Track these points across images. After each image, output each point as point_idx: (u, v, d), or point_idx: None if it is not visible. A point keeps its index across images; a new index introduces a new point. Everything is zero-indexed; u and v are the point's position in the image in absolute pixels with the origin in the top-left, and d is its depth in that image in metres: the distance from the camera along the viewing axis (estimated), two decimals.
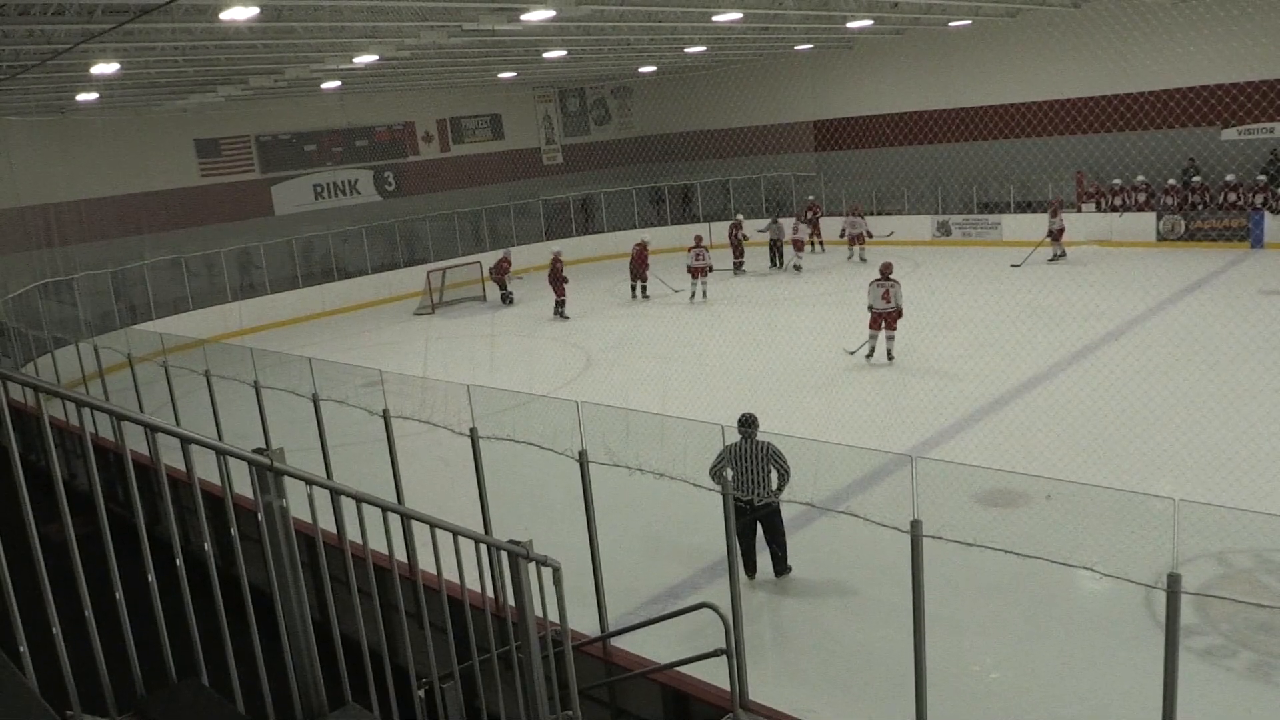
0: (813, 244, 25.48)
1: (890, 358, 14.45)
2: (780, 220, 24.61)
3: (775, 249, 24.07)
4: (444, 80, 25.26)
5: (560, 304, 20.63)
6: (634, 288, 21.89)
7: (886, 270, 14.73)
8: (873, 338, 14.52)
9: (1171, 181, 21.75)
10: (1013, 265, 20.94)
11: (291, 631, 3.40)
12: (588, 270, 25.64)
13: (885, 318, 14.43)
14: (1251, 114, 20.61)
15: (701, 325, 18.25)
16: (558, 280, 20.65)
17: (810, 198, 26.09)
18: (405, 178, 29.12)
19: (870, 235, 24.05)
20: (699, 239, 21.55)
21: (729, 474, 6.01)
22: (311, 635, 3.43)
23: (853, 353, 14.75)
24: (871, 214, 26.18)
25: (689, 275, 20.99)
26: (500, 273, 22.94)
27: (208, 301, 22.39)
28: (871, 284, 14.61)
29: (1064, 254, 21.34)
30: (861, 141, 27.44)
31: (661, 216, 30.23)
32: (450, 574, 4.43)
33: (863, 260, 23.36)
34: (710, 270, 20.98)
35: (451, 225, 27.66)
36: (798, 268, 23.18)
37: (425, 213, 27.55)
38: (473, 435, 7.00)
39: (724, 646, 5.36)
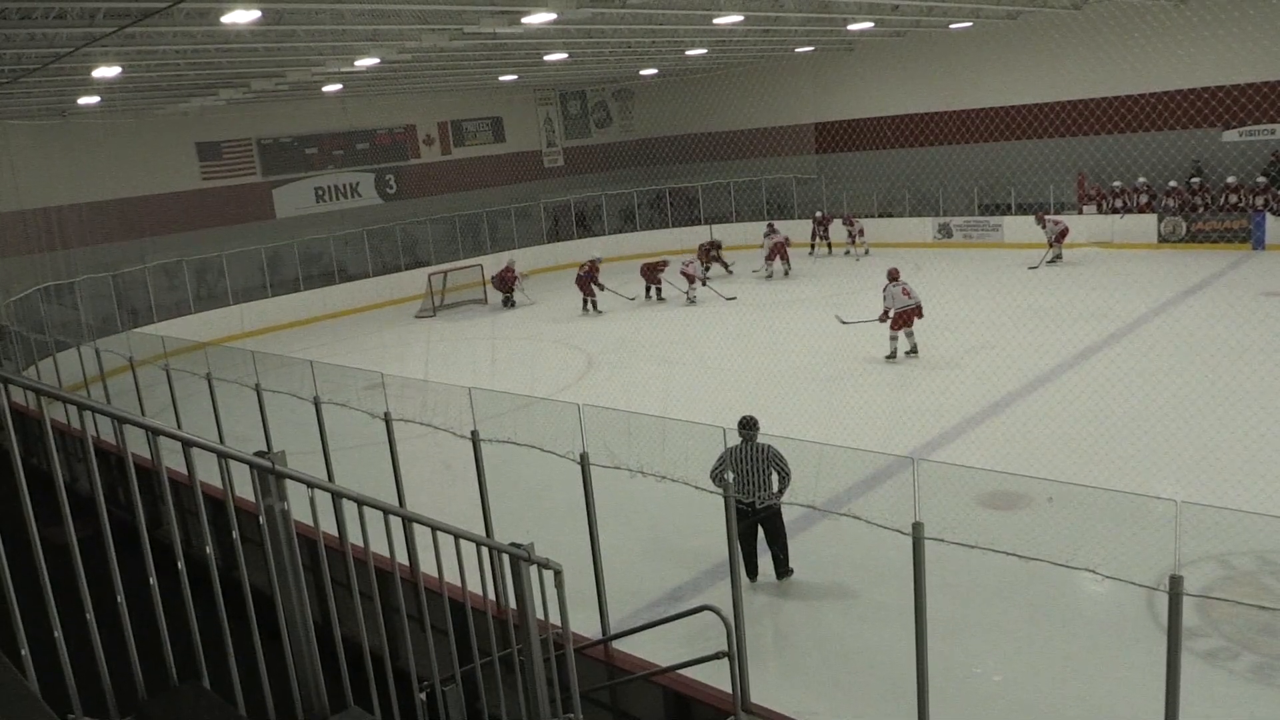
0: (812, 247, 25.66)
1: (915, 352, 14.43)
2: (775, 225, 24.68)
3: (775, 255, 23.93)
4: (445, 83, 25.28)
5: (591, 302, 21.10)
6: (648, 289, 21.99)
7: (894, 275, 14.68)
8: (894, 338, 14.49)
9: (1173, 183, 21.75)
10: (1030, 268, 20.92)
11: (293, 634, 3.40)
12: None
13: (907, 315, 14.37)
14: (1253, 115, 20.62)
15: (702, 327, 18.26)
16: (590, 283, 20.93)
17: (819, 213, 26.10)
18: (406, 180, 29.14)
19: (863, 234, 24.91)
20: (702, 247, 22.57)
21: (730, 476, 6.01)
22: (313, 638, 3.43)
23: (845, 322, 15.17)
24: (873, 216, 26.25)
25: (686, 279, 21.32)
26: (504, 283, 22.87)
27: (209, 305, 22.41)
28: (885, 289, 14.55)
29: (1060, 256, 21.33)
30: (863, 144, 27.47)
31: (663, 219, 30.23)
32: (452, 576, 4.44)
33: (866, 253, 24.58)
34: (704, 280, 21.20)
35: (453, 228, 27.69)
36: (786, 274, 23.23)
37: (426, 215, 27.58)
38: (474, 438, 7.00)
39: (726, 649, 5.36)
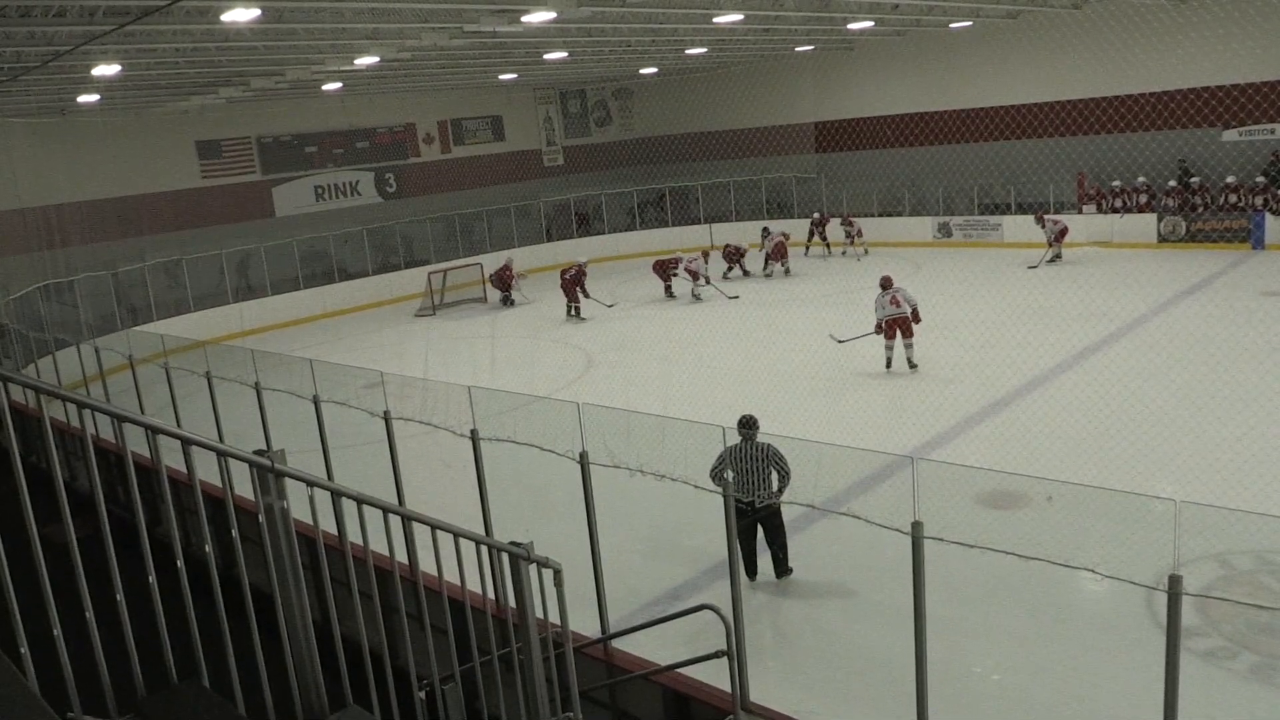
0: (807, 247, 25.67)
1: (913, 365, 13.93)
2: (770, 227, 24.73)
3: (771, 257, 23.86)
4: (445, 82, 25.28)
5: (575, 308, 20.78)
6: (667, 288, 22.07)
7: (886, 283, 14.21)
8: (888, 348, 14.03)
9: (1172, 183, 21.76)
10: (1029, 267, 20.92)
11: (292, 633, 3.40)
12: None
13: (900, 324, 13.89)
14: (1252, 115, 20.61)
15: (702, 326, 18.25)
16: (575, 287, 20.72)
17: (816, 214, 26.09)
18: (406, 179, 29.14)
19: (861, 234, 24.94)
20: (728, 248, 23.31)
21: (730, 475, 6.01)
22: (312, 636, 3.43)
23: (841, 341, 14.58)
24: (872, 216, 26.26)
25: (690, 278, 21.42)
26: (502, 282, 22.89)
27: (208, 303, 22.41)
28: (876, 298, 14.10)
29: (1060, 256, 21.33)
30: (863, 143, 27.46)
31: (663, 218, 30.26)
32: (451, 575, 4.44)
33: (866, 253, 24.70)
34: (705, 279, 21.26)
35: (452, 227, 27.69)
36: (786, 273, 23.31)
37: (426, 214, 27.58)
38: (474, 437, 7.00)
39: (725, 648, 5.36)
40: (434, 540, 4.08)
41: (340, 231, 25.66)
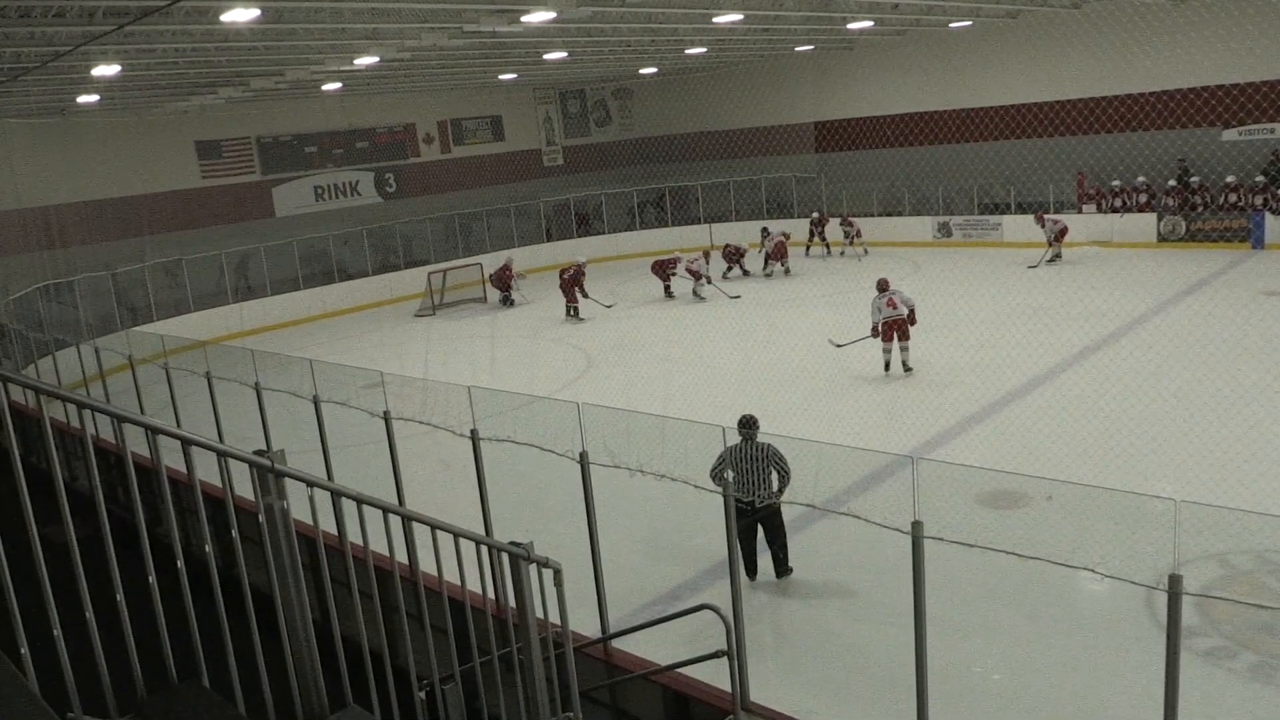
0: (808, 248, 25.67)
1: (908, 369, 13.82)
2: (769, 227, 24.73)
3: (771, 257, 23.82)
4: (445, 82, 25.28)
5: (574, 308, 20.73)
6: (667, 289, 22.07)
7: (883, 285, 14.03)
8: (886, 350, 13.90)
9: (1172, 183, 21.77)
10: (1029, 267, 20.92)
11: (292, 633, 3.40)
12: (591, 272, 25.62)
13: (897, 327, 13.72)
14: (1252, 115, 20.61)
15: (702, 326, 18.26)
16: (574, 287, 20.69)
17: (815, 214, 26.08)
18: (406, 179, 29.13)
19: (860, 234, 24.91)
20: (728, 247, 23.53)
21: (730, 475, 6.01)
22: (312, 636, 3.43)
23: (840, 345, 14.50)
24: (872, 215, 26.26)
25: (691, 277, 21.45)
26: (502, 282, 22.90)
27: (208, 303, 22.41)
28: (873, 300, 13.95)
29: (1060, 256, 21.34)
30: (863, 143, 27.47)
31: (663, 218, 30.26)
32: (451, 575, 4.44)
33: (866, 253, 24.74)
34: (706, 278, 21.28)
35: (452, 227, 27.69)
36: (786, 273, 23.32)
37: (426, 214, 27.58)
38: (474, 437, 7.00)
39: (725, 648, 5.36)
40: (434, 540, 4.08)
41: (340, 231, 25.66)
